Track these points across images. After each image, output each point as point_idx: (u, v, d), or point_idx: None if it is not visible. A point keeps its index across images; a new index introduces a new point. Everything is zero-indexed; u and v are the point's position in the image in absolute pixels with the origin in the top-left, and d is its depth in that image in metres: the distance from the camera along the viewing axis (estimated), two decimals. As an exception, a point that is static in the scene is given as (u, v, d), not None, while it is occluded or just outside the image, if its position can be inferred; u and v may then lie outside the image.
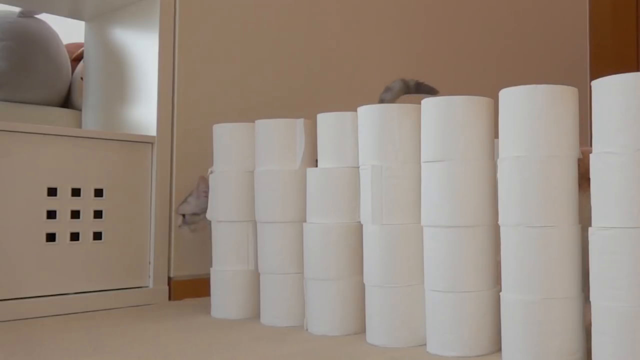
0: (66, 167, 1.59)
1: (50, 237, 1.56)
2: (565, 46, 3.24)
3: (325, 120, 1.36)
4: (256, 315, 1.50)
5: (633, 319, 0.93)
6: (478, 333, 1.12)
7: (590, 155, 1.00)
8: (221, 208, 1.52)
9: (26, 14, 2.17)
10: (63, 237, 1.58)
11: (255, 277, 1.51)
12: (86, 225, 1.63)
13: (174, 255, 1.80)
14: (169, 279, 1.78)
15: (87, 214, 1.63)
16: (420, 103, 1.20)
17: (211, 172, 1.55)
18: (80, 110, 2.15)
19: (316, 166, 1.39)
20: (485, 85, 2.74)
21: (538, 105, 1.05)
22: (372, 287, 1.23)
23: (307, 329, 1.34)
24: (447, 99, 1.15)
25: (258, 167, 1.46)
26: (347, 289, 1.31)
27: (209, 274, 1.57)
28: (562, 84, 1.11)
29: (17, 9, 2.17)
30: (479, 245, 1.13)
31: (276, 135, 1.44)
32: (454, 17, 2.71)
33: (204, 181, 1.61)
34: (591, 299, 0.99)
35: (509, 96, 1.08)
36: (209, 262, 1.59)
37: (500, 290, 1.10)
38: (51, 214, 1.57)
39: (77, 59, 2.32)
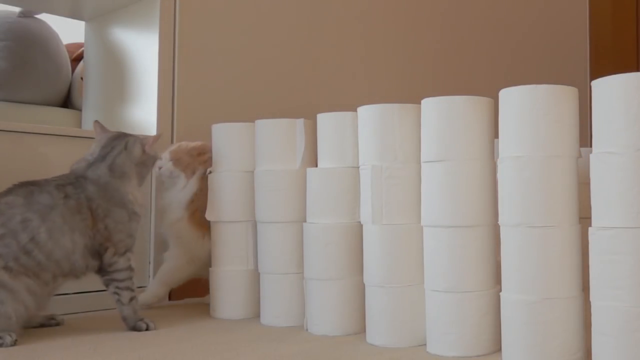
0: (66, 167, 1.59)
1: (50, 237, 1.56)
2: (565, 46, 3.24)
3: (325, 120, 1.36)
4: (256, 315, 1.50)
5: (633, 319, 0.93)
6: (478, 333, 1.12)
7: (590, 155, 1.00)
8: (221, 208, 1.52)
9: (26, 14, 2.17)
10: (63, 237, 1.58)
11: (255, 277, 1.50)
12: (86, 225, 1.62)
13: (174, 255, 1.79)
14: (169, 279, 1.78)
15: (87, 214, 1.62)
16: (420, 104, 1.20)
17: (210, 172, 1.55)
18: (80, 110, 2.14)
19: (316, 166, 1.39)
20: (485, 85, 2.73)
21: (538, 105, 1.05)
22: (372, 287, 1.23)
23: (307, 329, 1.34)
24: (447, 99, 1.15)
25: (258, 167, 1.46)
26: (347, 289, 1.31)
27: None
28: (562, 84, 1.11)
29: (17, 9, 2.17)
30: (479, 245, 1.13)
31: (276, 135, 1.44)
32: (454, 17, 2.71)
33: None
34: (591, 299, 0.99)
35: (509, 96, 1.08)
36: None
37: (500, 290, 1.10)
38: (51, 214, 1.56)
39: (77, 59, 2.32)
